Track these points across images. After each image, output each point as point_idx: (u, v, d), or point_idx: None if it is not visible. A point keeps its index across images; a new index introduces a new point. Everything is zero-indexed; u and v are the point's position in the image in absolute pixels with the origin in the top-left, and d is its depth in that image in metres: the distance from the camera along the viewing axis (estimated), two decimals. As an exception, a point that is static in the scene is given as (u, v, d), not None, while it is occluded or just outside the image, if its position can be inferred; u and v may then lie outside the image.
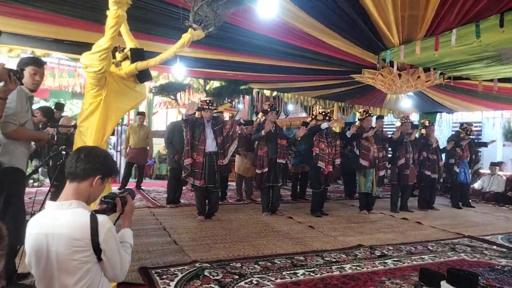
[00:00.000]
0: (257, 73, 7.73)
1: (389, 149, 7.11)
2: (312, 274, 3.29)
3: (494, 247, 4.51)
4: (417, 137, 7.17)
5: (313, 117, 7.33)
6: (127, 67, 2.63)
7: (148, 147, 7.82)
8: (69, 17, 4.48)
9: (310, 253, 3.89)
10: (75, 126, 2.94)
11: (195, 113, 5.24)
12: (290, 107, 14.37)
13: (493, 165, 8.71)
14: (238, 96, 9.99)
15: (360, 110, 6.86)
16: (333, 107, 11.47)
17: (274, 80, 8.61)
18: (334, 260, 3.71)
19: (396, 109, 11.78)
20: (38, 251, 1.61)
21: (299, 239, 4.44)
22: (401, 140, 6.58)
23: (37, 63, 2.80)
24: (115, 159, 8.72)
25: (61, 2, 4.08)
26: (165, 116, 14.92)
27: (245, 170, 6.88)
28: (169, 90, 8.50)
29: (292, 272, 3.31)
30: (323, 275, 3.28)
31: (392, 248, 4.23)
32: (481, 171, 8.83)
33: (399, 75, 6.44)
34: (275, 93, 10.24)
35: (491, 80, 6.57)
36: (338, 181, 10.17)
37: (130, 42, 2.90)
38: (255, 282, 3.00)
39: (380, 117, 7.73)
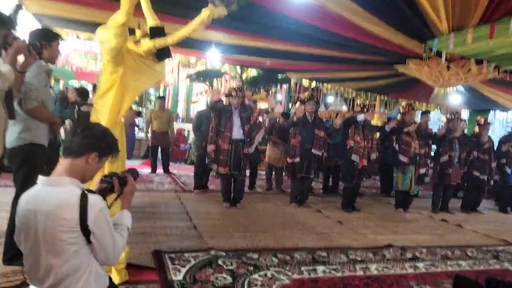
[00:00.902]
0: (294, 61, 7.46)
1: (433, 147, 6.65)
2: (333, 272, 3.07)
3: (545, 258, 4.04)
4: (467, 135, 6.65)
5: (350, 108, 6.99)
6: (145, 44, 2.52)
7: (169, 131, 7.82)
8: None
9: (334, 249, 3.65)
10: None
11: (220, 100, 5.12)
12: (330, 99, 13.94)
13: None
14: (276, 85, 9.79)
15: (403, 104, 6.43)
16: (375, 100, 10.97)
17: (312, 70, 8.30)
18: (359, 259, 3.46)
19: (443, 105, 11.05)
20: (26, 228, 1.54)
21: (325, 234, 4.21)
22: (447, 138, 6.10)
23: (60, 37, 2.80)
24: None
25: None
26: (205, 104, 15.05)
27: (276, 160, 6.70)
28: (205, 76, 8.46)
29: (311, 268, 3.11)
30: (345, 274, 3.05)
31: (426, 250, 3.89)
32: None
33: (448, 67, 5.94)
34: (313, 84, 9.93)
35: (553, 74, 5.90)
36: (374, 176, 9.73)
37: (151, 21, 2.79)
38: (269, 276, 2.84)
39: (425, 113, 7.24)
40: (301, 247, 3.63)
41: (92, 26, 5.53)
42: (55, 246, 1.49)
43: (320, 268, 3.12)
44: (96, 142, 1.67)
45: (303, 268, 3.08)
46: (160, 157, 7.92)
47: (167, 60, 8.49)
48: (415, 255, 3.71)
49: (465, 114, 10.90)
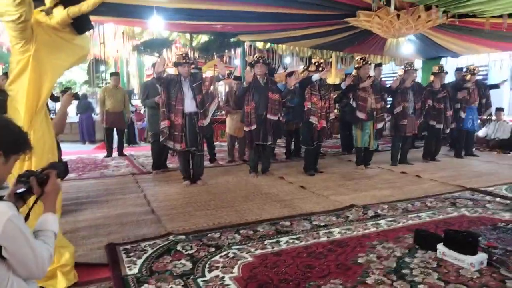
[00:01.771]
0: (244, 22, 7.13)
1: (389, 99, 6.65)
2: (296, 241, 3.01)
3: (498, 199, 4.20)
4: (422, 84, 6.67)
5: (305, 68, 6.81)
6: (58, 14, 2.17)
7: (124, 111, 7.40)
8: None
9: (297, 217, 3.60)
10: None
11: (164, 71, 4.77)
12: (287, 60, 13.70)
13: (498, 110, 8.20)
14: (229, 50, 9.40)
15: (357, 58, 6.34)
16: (331, 57, 10.86)
17: (264, 30, 8.01)
18: (322, 224, 3.42)
19: (397, 56, 11.13)
20: None
21: (288, 202, 4.15)
22: (399, 89, 6.09)
23: None
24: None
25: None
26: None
27: (236, 130, 6.51)
28: (152, 47, 7.93)
29: (274, 240, 3.03)
30: (308, 242, 3.00)
31: (387, 206, 3.93)
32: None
33: (398, 16, 5.86)
34: (268, 45, 9.64)
35: (500, 17, 5.94)
36: (335, 135, 9.81)
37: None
38: (231, 255, 2.73)
39: (378, 65, 7.20)
40: (264, 219, 3.54)
41: None
42: None
43: (284, 239, 3.04)
44: None
45: (266, 242, 2.99)
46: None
47: (110, 32, 7.86)
48: (377, 212, 3.73)
49: (418, 64, 11.04)
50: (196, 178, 5.00)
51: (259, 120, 5.24)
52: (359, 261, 2.63)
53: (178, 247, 2.86)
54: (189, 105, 4.71)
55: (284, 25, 7.46)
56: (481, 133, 8.46)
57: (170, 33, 8.16)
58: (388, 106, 6.52)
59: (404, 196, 4.33)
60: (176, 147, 4.72)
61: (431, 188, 4.74)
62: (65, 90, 7.01)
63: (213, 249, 2.84)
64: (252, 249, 2.85)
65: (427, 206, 3.95)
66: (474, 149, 7.50)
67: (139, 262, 2.63)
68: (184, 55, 4.71)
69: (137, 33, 8.15)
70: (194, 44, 8.58)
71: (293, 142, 7.27)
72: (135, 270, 2.51)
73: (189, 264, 2.59)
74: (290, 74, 6.18)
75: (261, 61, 5.28)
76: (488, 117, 7.56)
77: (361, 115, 5.76)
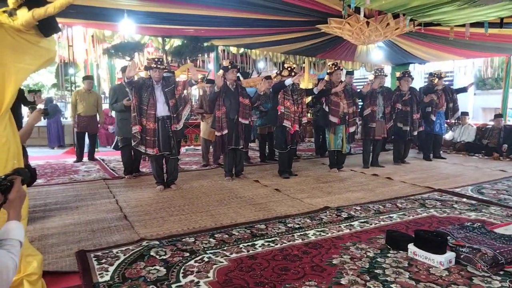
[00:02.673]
0: (217, 27, 7.14)
1: (360, 104, 6.81)
2: (271, 244, 3.01)
3: (464, 199, 4.38)
4: (391, 89, 6.85)
5: (278, 73, 6.88)
6: (22, 16, 2.09)
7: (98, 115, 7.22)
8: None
9: (272, 220, 3.61)
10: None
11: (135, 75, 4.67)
12: (261, 64, 13.80)
13: (463, 114, 8.56)
14: (202, 54, 9.36)
15: (329, 64, 6.46)
16: (304, 62, 11.02)
17: (238, 35, 8.05)
18: (297, 226, 3.45)
19: (368, 62, 11.45)
20: None
21: (263, 205, 4.16)
22: (367, 93, 6.24)
23: None
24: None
25: None
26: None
27: (210, 134, 6.46)
28: (123, 50, 7.78)
29: (250, 244, 3.02)
30: (284, 244, 3.01)
31: (359, 208, 4.01)
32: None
33: (367, 23, 6.03)
34: (242, 50, 9.68)
35: (463, 26, 6.24)
36: (308, 139, 9.94)
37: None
38: (206, 260, 2.70)
39: (350, 73, 7.37)
40: (239, 223, 3.54)
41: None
42: None
43: (259, 243, 3.04)
44: None
45: (241, 245, 2.98)
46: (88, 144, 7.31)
47: (79, 34, 7.63)
48: (350, 214, 3.80)
49: (388, 70, 11.38)
50: (170, 183, 4.93)
51: (231, 124, 5.24)
52: (333, 262, 2.67)
53: (152, 253, 2.81)
54: (162, 110, 4.64)
55: (257, 31, 7.52)
56: (447, 136, 8.80)
57: (142, 37, 8.07)
58: (359, 110, 6.67)
59: (376, 198, 4.43)
60: (148, 152, 4.63)
61: (402, 190, 4.88)
62: (33, 91, 6.76)
63: (187, 254, 2.80)
64: (228, 253, 2.83)
65: (398, 207, 4.06)
66: (441, 152, 7.78)
67: (111, 269, 2.55)
68: (156, 59, 4.63)
69: (108, 36, 8.00)
70: (167, 48, 8.49)
71: (267, 146, 7.30)
72: (107, 277, 2.44)
73: (163, 270, 2.54)
74: (268, 77, 6.22)
75: (235, 67, 5.31)
76: (456, 121, 7.86)
77: (333, 119, 5.86)
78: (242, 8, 5.75)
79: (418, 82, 11.21)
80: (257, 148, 7.88)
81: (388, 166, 6.59)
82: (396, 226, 3.44)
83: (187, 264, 2.63)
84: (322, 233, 3.26)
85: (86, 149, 7.31)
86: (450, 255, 2.62)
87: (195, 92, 13.16)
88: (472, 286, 2.33)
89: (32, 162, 5.51)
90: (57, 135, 9.98)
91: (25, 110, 8.41)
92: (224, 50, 9.37)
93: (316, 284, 2.35)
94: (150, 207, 4.10)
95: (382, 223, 3.55)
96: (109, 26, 7.01)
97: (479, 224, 3.26)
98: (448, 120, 7.59)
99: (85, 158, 7.20)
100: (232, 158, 5.44)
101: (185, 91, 4.78)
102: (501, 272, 2.50)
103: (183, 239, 3.10)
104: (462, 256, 2.65)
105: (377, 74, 6.55)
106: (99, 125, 7.41)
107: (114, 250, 2.87)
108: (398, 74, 7.08)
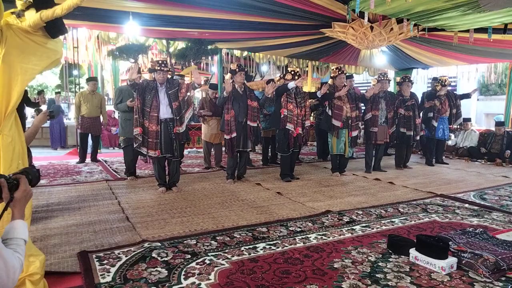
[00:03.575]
0: (221, 30, 7.16)
1: (363, 108, 6.81)
2: (273, 247, 3.01)
3: (466, 205, 4.37)
4: (394, 94, 6.86)
5: (281, 76, 6.90)
6: (30, 17, 2.12)
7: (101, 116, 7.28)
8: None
9: (274, 223, 3.61)
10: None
11: (139, 77, 4.70)
12: (264, 68, 13.84)
13: (466, 120, 8.55)
14: (206, 57, 9.41)
15: (332, 67, 6.47)
16: (307, 66, 11.04)
17: (242, 39, 8.07)
18: (299, 229, 3.45)
19: (371, 66, 11.45)
20: None
21: (265, 208, 4.16)
22: (369, 97, 6.25)
23: None
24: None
25: None
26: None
27: (212, 137, 6.50)
28: (127, 52, 7.81)
29: (251, 246, 3.02)
30: (285, 248, 3.01)
31: (361, 212, 4.01)
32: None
33: (371, 28, 6.05)
34: (245, 53, 9.70)
35: (467, 31, 6.24)
36: (311, 142, 9.95)
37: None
38: (207, 262, 2.70)
39: (350, 76, 7.38)
40: (241, 226, 3.54)
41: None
42: None
43: (260, 245, 3.04)
44: None
45: (243, 248, 2.98)
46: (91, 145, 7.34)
47: (84, 36, 7.68)
48: (352, 218, 3.80)
49: (391, 74, 11.39)
50: (172, 185, 4.94)
51: (239, 127, 5.26)
52: (334, 266, 2.67)
53: (154, 254, 2.81)
54: (165, 112, 4.66)
55: (261, 34, 7.54)
56: (450, 141, 8.78)
57: (146, 39, 8.11)
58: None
59: (378, 203, 4.43)
60: (150, 154, 4.65)
61: (404, 194, 4.88)
62: (41, 92, 6.82)
63: (189, 256, 2.81)
64: (229, 256, 2.83)
65: (399, 212, 4.05)
66: (444, 157, 7.77)
67: (113, 270, 2.56)
68: (160, 61, 4.65)
69: (112, 38, 8.05)
70: (171, 50, 8.53)
71: (269, 149, 7.31)
72: (109, 278, 2.45)
73: (164, 272, 2.54)
74: (269, 81, 6.24)
75: (243, 69, 5.33)
76: (458, 127, 7.84)
77: (336, 123, 5.87)
78: (246, 11, 5.77)
79: (421, 87, 11.23)
80: (260, 151, 7.89)
81: (390, 171, 6.58)
82: (397, 231, 3.43)
83: (188, 266, 2.63)
84: (324, 237, 3.26)
85: (89, 150, 7.34)
86: (451, 260, 2.61)
87: (198, 94, 13.20)
88: (474, 292, 2.33)
89: (35, 163, 5.53)
90: (60, 136, 10.03)
91: (28, 110, 8.47)
92: (228, 53, 9.40)
93: (317, 288, 2.35)
94: (152, 208, 4.11)
95: (383, 227, 3.55)
96: (114, 28, 7.05)
97: (481, 229, 3.25)
98: (451, 126, 7.57)
99: (88, 159, 7.23)
100: (236, 160, 5.45)
101: (188, 94, 4.79)
102: (503, 278, 2.49)
103: (185, 241, 3.11)
104: (463, 262, 2.64)
105: (380, 78, 6.55)
106: (102, 127, 7.45)
107: (116, 251, 2.87)
108: (398, 79, 7.09)
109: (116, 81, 12.75)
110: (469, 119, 8.76)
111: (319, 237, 3.26)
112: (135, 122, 4.58)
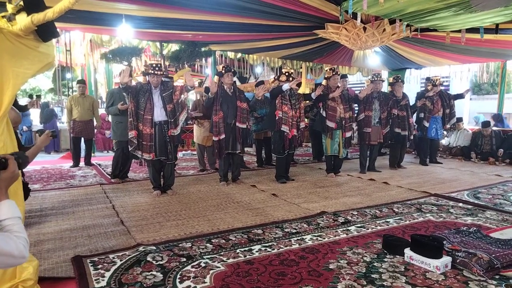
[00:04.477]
0: (215, 32, 7.17)
1: (356, 109, 6.83)
2: (268, 249, 3.01)
3: (460, 204, 4.39)
4: (388, 94, 6.89)
5: (275, 78, 6.91)
6: (21, 21, 2.10)
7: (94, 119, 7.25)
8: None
9: (269, 225, 3.61)
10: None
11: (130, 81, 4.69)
12: (258, 69, 13.85)
13: (457, 121, 8.60)
14: (200, 59, 9.39)
15: (326, 69, 6.49)
16: (301, 67, 11.07)
17: (235, 40, 8.08)
18: (294, 231, 3.45)
19: (364, 67, 11.51)
20: None
21: (260, 210, 4.16)
22: (362, 98, 6.28)
23: None
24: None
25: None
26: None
27: (204, 139, 6.48)
28: (121, 55, 7.79)
29: (247, 248, 3.02)
30: (281, 249, 3.01)
31: (356, 213, 4.02)
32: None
33: (364, 29, 6.07)
34: (239, 55, 9.71)
35: (459, 31, 6.29)
36: (306, 143, 9.96)
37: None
38: (203, 265, 2.69)
39: (344, 76, 7.39)
40: (236, 228, 3.53)
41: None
42: None
43: (256, 247, 3.04)
44: None
45: (238, 250, 2.98)
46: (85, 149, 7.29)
47: (77, 39, 7.64)
48: (347, 219, 3.80)
49: (385, 75, 11.44)
50: (167, 188, 4.92)
51: (228, 129, 5.25)
52: (330, 267, 2.67)
53: (149, 258, 2.80)
54: (159, 114, 4.64)
55: (254, 36, 7.55)
56: (444, 141, 8.84)
57: (139, 41, 8.08)
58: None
59: (373, 203, 4.45)
60: (145, 157, 4.63)
61: (398, 194, 4.90)
62: (31, 96, 6.76)
63: (184, 259, 2.79)
64: (224, 258, 2.82)
65: (394, 212, 4.07)
66: (437, 157, 7.81)
67: (108, 274, 2.54)
68: (154, 65, 4.64)
69: (106, 40, 8.02)
70: (164, 52, 8.52)
71: (263, 151, 7.32)
72: (103, 283, 2.43)
73: (160, 275, 2.53)
74: (259, 83, 6.25)
75: (230, 70, 5.31)
76: (452, 126, 7.91)
77: (330, 124, 5.88)
78: (239, 13, 5.78)
79: (414, 87, 11.30)
80: (254, 153, 7.89)
81: (384, 171, 6.61)
82: (392, 231, 3.44)
83: (183, 270, 2.62)
84: (319, 238, 3.26)
85: (82, 154, 7.29)
86: (446, 259, 2.62)
87: (192, 96, 13.17)
88: (468, 291, 2.34)
89: (28, 167, 5.49)
90: (53, 140, 9.94)
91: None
92: (221, 55, 9.40)
93: (312, 289, 2.34)
94: (146, 212, 4.09)
95: (378, 227, 3.56)
96: (107, 31, 7.02)
97: (475, 228, 3.27)
98: (445, 126, 7.62)
99: (82, 163, 7.18)
100: (227, 163, 5.44)
101: (182, 96, 4.78)
102: (497, 277, 2.51)
103: (180, 244, 3.10)
104: (458, 261, 2.65)
105: (373, 79, 6.58)
106: (95, 130, 7.40)
107: (111, 256, 2.85)
108: (390, 79, 7.13)
109: (109, 84, 12.69)
110: (460, 119, 8.82)
111: (314, 238, 3.27)
112: (130, 125, 4.57)
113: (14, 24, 2.15)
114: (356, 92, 6.96)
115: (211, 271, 2.59)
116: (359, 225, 3.63)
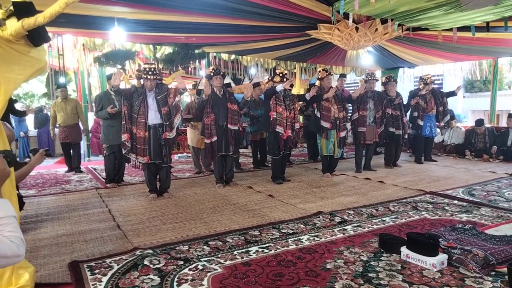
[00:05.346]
0: (208, 34, 7.16)
1: (350, 109, 6.86)
2: (265, 250, 3.02)
3: (455, 201, 4.42)
4: (382, 94, 6.92)
5: (269, 79, 6.92)
6: (12, 26, 2.09)
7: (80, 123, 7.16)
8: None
9: (266, 226, 3.62)
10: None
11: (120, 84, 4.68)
12: (252, 70, 13.86)
13: (450, 119, 8.65)
14: (193, 61, 9.37)
15: (320, 69, 6.52)
16: (295, 68, 11.08)
17: (228, 42, 8.07)
18: (291, 231, 3.46)
19: (358, 67, 11.55)
20: None
21: (256, 211, 4.16)
22: (355, 97, 6.31)
23: None
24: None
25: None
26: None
27: (198, 142, 6.47)
28: (114, 59, 7.75)
29: (244, 250, 3.02)
30: (278, 250, 3.01)
31: (352, 212, 4.04)
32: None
33: (356, 29, 6.10)
34: (233, 56, 9.71)
35: (451, 30, 6.33)
36: (301, 144, 9.99)
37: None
38: (200, 268, 2.69)
39: (342, 75, 7.41)
40: (233, 230, 3.53)
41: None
42: None
43: (253, 249, 3.04)
44: None
45: (235, 252, 2.98)
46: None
47: (69, 43, 7.58)
48: (344, 218, 3.82)
49: (378, 74, 11.50)
50: (163, 191, 4.91)
51: (220, 131, 5.25)
52: (327, 267, 2.68)
53: (146, 262, 2.79)
54: (154, 117, 4.64)
55: (248, 37, 7.55)
56: (438, 139, 8.89)
57: (132, 44, 8.06)
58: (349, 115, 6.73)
59: (369, 202, 4.47)
60: (139, 160, 4.62)
61: (394, 193, 4.92)
62: (15, 100, 6.70)
63: (181, 262, 2.79)
64: (222, 260, 2.82)
65: (390, 211, 4.09)
66: (432, 155, 7.86)
67: (105, 279, 2.53)
68: (148, 69, 4.62)
69: (98, 44, 7.98)
70: (158, 55, 8.49)
71: (258, 152, 7.32)
72: (101, 288, 2.42)
73: (157, 279, 2.52)
74: (256, 85, 6.24)
75: (219, 73, 5.31)
76: (445, 124, 7.95)
77: (325, 124, 5.90)
78: (232, 15, 5.78)
79: (408, 85, 11.36)
80: (250, 155, 7.89)
81: (380, 170, 6.63)
82: (389, 230, 3.46)
83: (181, 273, 2.62)
84: (316, 238, 3.27)
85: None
86: (442, 257, 2.64)
87: (187, 99, 13.16)
88: (464, 287, 2.36)
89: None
90: (48, 145, 9.89)
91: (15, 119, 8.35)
92: (215, 57, 9.40)
93: (310, 289, 2.35)
94: (143, 215, 4.08)
95: (375, 226, 3.58)
96: (100, 34, 6.99)
97: (470, 225, 3.29)
98: (439, 124, 7.67)
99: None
100: (222, 164, 5.44)
101: (176, 99, 4.77)
102: (493, 273, 2.53)
103: (177, 247, 3.09)
104: (454, 258, 2.67)
105: (367, 78, 6.61)
106: (83, 134, 7.32)
107: (108, 260, 2.84)
108: (383, 79, 7.16)
109: (103, 87, 12.63)
110: (453, 117, 8.89)
111: (311, 238, 3.27)
112: (123, 129, 4.55)
113: (5, 29, 2.13)
114: (350, 92, 6.99)
115: (208, 274, 2.59)
116: (355, 224, 3.64)
